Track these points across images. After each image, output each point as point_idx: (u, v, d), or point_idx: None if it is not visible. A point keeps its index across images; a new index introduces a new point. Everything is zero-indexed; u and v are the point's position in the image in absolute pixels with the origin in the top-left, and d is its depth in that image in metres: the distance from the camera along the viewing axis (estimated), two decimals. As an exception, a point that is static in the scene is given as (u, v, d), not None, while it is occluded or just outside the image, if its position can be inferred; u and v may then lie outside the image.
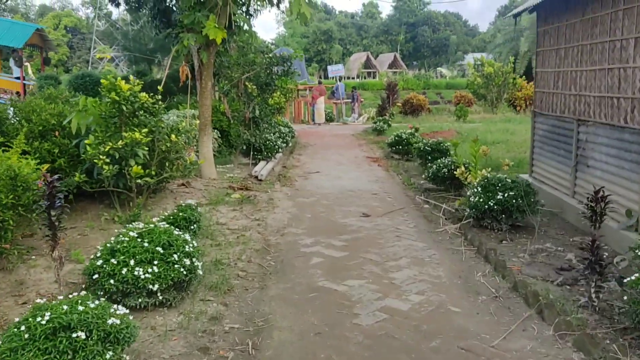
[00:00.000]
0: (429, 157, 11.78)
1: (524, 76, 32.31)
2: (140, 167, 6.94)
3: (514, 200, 6.88)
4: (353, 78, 58.36)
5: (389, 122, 21.63)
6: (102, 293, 4.43)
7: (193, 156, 8.65)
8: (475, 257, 6.35)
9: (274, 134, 13.38)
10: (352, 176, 11.82)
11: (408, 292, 5.29)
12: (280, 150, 13.11)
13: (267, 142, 12.67)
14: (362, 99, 28.98)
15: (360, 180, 11.38)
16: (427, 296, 5.19)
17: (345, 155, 15.61)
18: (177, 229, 5.27)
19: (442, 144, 11.85)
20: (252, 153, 12.52)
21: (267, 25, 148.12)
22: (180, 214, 6.40)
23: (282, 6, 10.63)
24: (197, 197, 9.31)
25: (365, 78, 63.03)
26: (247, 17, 11.26)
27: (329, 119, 28.24)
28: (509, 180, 7.24)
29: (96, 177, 7.00)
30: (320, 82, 29.07)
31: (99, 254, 4.71)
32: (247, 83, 11.41)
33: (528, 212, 6.94)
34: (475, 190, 7.25)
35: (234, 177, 11.12)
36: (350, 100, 30.72)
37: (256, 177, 11.15)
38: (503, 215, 6.99)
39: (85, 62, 63.10)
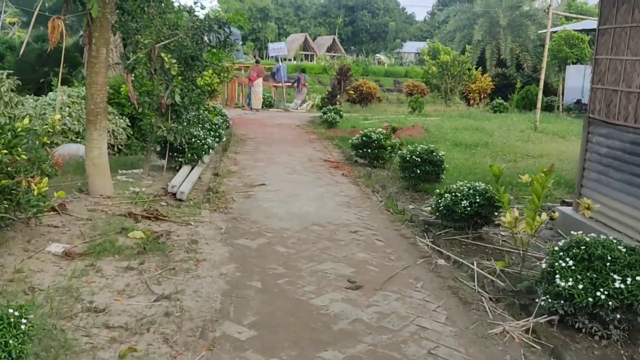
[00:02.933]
0: (417, 171, 8.60)
1: (480, 67, 29.95)
2: None
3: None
4: (290, 60, 54.85)
5: (341, 112, 18.33)
6: None
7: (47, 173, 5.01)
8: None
9: (203, 127, 9.74)
10: (313, 194, 8.43)
11: None
12: (210, 150, 9.51)
13: (193, 140, 9.06)
14: (307, 84, 25.48)
15: (326, 201, 8.02)
16: None
17: (296, 155, 12.18)
18: None
19: (434, 154, 8.70)
20: (168, 155, 8.87)
21: None
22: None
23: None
24: (70, 235, 5.66)
25: (302, 60, 59.89)
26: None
27: (268, 104, 24.64)
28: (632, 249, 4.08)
29: None
30: (258, 62, 25.28)
31: None
32: (163, 54, 7.71)
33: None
34: (561, 263, 4.06)
35: (139, 193, 7.47)
36: (290, 84, 27.19)
37: (174, 194, 7.56)
38: (619, 316, 3.86)
39: (-4, 27, 55.74)
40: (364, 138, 11.05)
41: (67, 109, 10.65)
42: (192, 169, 9.16)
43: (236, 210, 7.30)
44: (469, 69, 28.29)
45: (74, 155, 9.93)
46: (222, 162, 10.65)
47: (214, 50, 8.21)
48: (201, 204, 7.45)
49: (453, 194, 6.27)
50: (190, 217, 6.84)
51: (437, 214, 6.47)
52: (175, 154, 9.05)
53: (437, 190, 6.65)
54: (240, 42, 35.23)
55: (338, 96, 22.74)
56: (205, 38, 8.64)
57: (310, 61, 59.07)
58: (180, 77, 8.09)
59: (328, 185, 9.17)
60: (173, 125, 8.19)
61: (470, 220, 6.23)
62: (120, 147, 11.00)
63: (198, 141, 9.19)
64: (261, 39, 67.68)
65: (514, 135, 16.41)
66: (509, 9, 34.11)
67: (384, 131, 11.23)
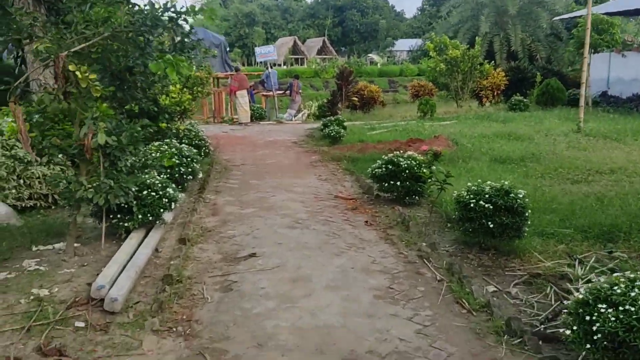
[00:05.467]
0: (489, 224, 5.57)
1: (492, 62, 26.95)
2: None
3: None
4: (280, 65, 52.00)
5: (344, 123, 15.28)
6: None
7: None
8: None
9: (162, 172, 6.67)
10: (331, 274, 5.33)
11: None
12: (174, 201, 6.42)
13: (144, 194, 6.01)
14: (301, 90, 22.41)
15: (354, 291, 4.92)
16: None
17: (298, 190, 9.12)
18: None
19: (512, 196, 5.67)
20: (106, 219, 5.82)
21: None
22: None
23: None
24: None
25: (292, 65, 57.15)
26: None
27: (259, 116, 21.55)
28: None
29: None
30: (237, 70, 22.10)
31: None
32: (72, 67, 4.61)
33: None
34: None
35: (42, 303, 4.40)
36: (281, 92, 24.13)
37: (101, 300, 4.47)
38: None
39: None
40: (390, 166, 8.01)
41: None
42: (145, 236, 6.10)
43: (205, 329, 4.21)
44: (481, 64, 25.27)
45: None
46: (194, 213, 7.56)
47: (168, 56, 5.15)
48: (146, 317, 4.37)
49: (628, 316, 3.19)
50: (121, 355, 3.78)
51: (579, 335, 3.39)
52: (119, 216, 5.99)
53: (578, 296, 3.55)
54: (227, 49, 32.18)
55: (339, 104, 19.65)
56: (152, 38, 5.59)
57: (301, 65, 56.44)
58: (105, 104, 5.01)
59: (350, 248, 6.09)
60: (101, 181, 5.10)
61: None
62: (56, 197, 7.90)
63: (152, 193, 6.11)
64: (249, 45, 64.86)
65: (559, 141, 13.40)
66: (518, -4, 31.19)
67: (417, 155, 8.20)
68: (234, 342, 4.01)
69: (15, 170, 7.58)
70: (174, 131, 10.22)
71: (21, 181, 7.73)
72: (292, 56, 59.61)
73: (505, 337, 4.03)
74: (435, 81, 26.57)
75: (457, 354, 3.83)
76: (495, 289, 5.01)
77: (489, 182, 5.94)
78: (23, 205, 7.65)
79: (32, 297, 4.52)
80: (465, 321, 4.34)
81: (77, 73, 4.56)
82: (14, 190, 7.62)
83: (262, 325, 4.26)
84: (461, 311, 4.52)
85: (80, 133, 4.84)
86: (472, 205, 5.69)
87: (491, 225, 5.55)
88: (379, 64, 57.11)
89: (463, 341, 4.02)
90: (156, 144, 8.75)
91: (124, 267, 5.06)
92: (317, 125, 17.52)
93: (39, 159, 5.18)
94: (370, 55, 65.84)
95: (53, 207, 7.78)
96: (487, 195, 5.70)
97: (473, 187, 5.92)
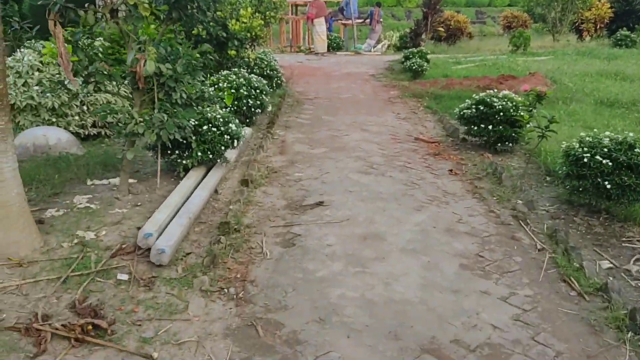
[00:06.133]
0: (606, 184, 4.59)
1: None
2: None
3: None
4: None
5: (427, 56, 14.00)
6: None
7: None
8: None
9: (227, 107, 6.05)
10: (408, 234, 4.56)
11: None
12: (237, 138, 5.79)
13: (205, 129, 5.43)
14: (382, 20, 20.97)
15: (436, 258, 4.13)
16: None
17: (373, 129, 8.29)
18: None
19: (636, 148, 4.63)
20: (161, 154, 5.32)
21: None
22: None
23: None
24: None
25: (373, -9, 54.56)
26: None
27: (336, 46, 20.47)
28: None
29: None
30: (317, -6, 20.79)
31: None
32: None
33: None
34: None
35: (85, 248, 3.98)
36: (361, 20, 22.77)
37: (148, 249, 3.98)
38: None
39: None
40: (482, 107, 6.99)
41: (37, 73, 7.24)
42: (204, 175, 5.56)
43: (260, 293, 3.63)
44: (583, -8, 22.64)
45: (40, 146, 6.60)
46: (260, 150, 6.96)
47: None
48: (196, 272, 3.84)
49: None
50: (163, 319, 3.28)
51: None
52: (177, 152, 5.46)
53: None
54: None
55: (423, 35, 18.19)
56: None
57: (382, -8, 53.65)
58: (158, 25, 4.33)
59: (432, 202, 5.29)
60: (154, 113, 4.51)
61: None
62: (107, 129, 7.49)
63: (213, 129, 5.51)
64: (329, -30, 62.15)
65: (677, 83, 11.65)
66: None
67: (514, 96, 7.12)
68: (291, 313, 3.41)
69: (78, 95, 7.21)
70: (245, 60, 9.52)
71: (84, 107, 7.39)
72: (374, -17, 56.90)
73: (629, 333, 3.20)
74: (531, 11, 24.17)
75: (567, 354, 3.05)
76: (610, 264, 4.11)
77: (607, 133, 4.88)
78: (86, 133, 7.33)
79: (75, 241, 4.09)
80: (575, 307, 3.51)
81: (124, -12, 3.89)
82: (77, 117, 7.30)
83: (325, 293, 3.63)
84: (569, 293, 3.68)
85: (127, 59, 4.23)
86: (585, 160, 4.69)
87: (608, 186, 4.56)
88: (465, -8, 53.59)
89: (574, 335, 3.22)
90: (224, 73, 8.11)
91: (177, 211, 4.54)
92: (397, 58, 16.33)
93: (79, 85, 4.63)
94: (457, -17, 61.76)
95: (105, 141, 7.41)
96: (605, 149, 4.67)
97: (587, 138, 4.89)
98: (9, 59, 7.36)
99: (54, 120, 7.17)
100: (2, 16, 4.17)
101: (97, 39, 5.74)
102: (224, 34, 8.31)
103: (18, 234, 3.82)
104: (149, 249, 3.97)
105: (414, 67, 13.14)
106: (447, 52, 20.13)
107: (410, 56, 13.58)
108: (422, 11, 19.37)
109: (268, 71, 10.24)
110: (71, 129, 7.19)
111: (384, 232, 4.56)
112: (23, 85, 7.05)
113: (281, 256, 4.16)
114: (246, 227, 4.65)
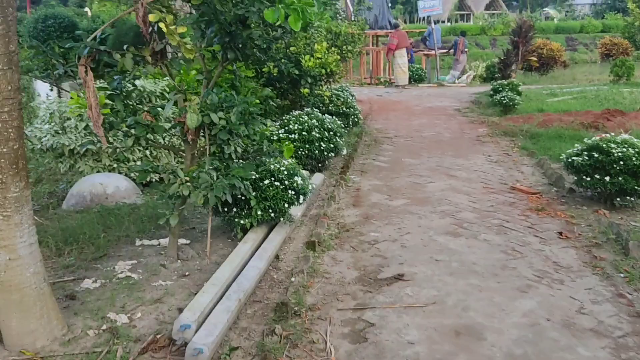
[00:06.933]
0: None
1: None
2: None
3: None
4: (443, 22, 48.68)
5: (518, 87, 12.76)
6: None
7: None
8: None
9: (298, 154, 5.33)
10: (514, 334, 3.56)
11: None
12: (303, 194, 5.01)
13: (265, 184, 4.70)
14: (467, 49, 19.88)
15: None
16: None
17: (461, 175, 7.29)
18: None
19: None
20: (216, 211, 4.63)
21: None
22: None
23: None
24: None
25: (457, 21, 53.52)
26: None
27: (418, 77, 19.57)
28: None
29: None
30: (397, 26, 20.03)
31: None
32: (153, 16, 3.28)
33: None
34: None
35: (121, 327, 3.28)
36: (445, 51, 21.82)
37: (184, 344, 3.23)
38: None
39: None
40: (596, 154, 5.84)
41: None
42: (266, 236, 4.81)
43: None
44: (697, 15, 20.47)
45: (97, 194, 6.16)
46: (332, 202, 6.15)
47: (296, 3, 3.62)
48: (240, 381, 3.04)
49: None
50: None
51: None
52: (234, 210, 4.75)
53: None
54: (389, 4, 29.95)
55: (513, 65, 16.91)
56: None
57: (466, 22, 52.69)
58: (215, 66, 3.65)
59: (540, 280, 4.22)
60: (204, 171, 3.81)
61: None
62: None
63: (276, 183, 4.77)
64: (411, 0, 61.77)
65: None
66: None
67: (636, 141, 5.91)
68: None
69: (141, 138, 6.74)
70: (319, 97, 8.84)
71: (147, 152, 6.93)
72: (457, 12, 55.75)
73: None
74: (632, 39, 22.19)
75: None
76: None
77: None
78: (148, 179, 6.84)
79: (104, 327, 3.42)
80: None
81: (161, 25, 3.25)
82: (139, 162, 6.84)
83: None
84: None
85: (165, 109, 3.59)
86: None
87: None
88: (555, 19, 51.49)
89: None
90: (295, 113, 7.44)
91: (227, 288, 3.79)
92: (483, 90, 15.22)
93: (109, 143, 4.04)
94: (545, 9, 59.75)
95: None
96: None
97: None
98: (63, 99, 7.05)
99: (114, 166, 6.77)
100: (46, 59, 3.64)
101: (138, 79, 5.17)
102: (296, 72, 7.68)
103: (35, 322, 3.20)
104: (185, 344, 3.22)
105: (504, 101, 11.98)
106: (539, 82, 18.70)
107: (500, 89, 12.44)
108: (511, 40, 18.11)
109: (344, 109, 9.49)
110: (133, 175, 6.74)
111: (482, 327, 3.57)
112: (85, 128, 6.69)
113: (348, 357, 3.28)
114: (308, 310, 3.81)
